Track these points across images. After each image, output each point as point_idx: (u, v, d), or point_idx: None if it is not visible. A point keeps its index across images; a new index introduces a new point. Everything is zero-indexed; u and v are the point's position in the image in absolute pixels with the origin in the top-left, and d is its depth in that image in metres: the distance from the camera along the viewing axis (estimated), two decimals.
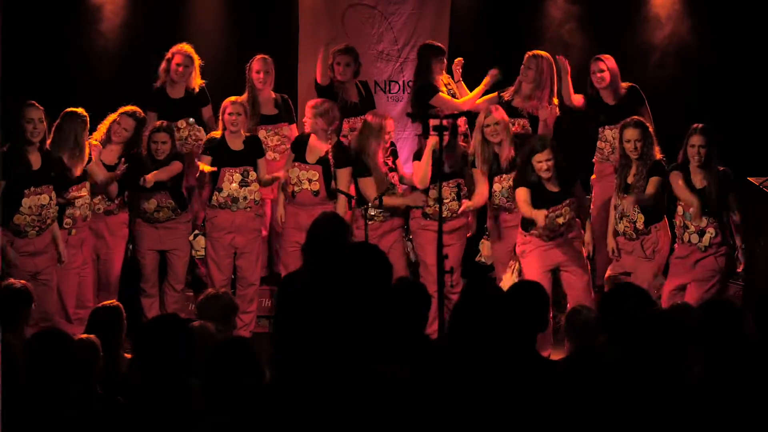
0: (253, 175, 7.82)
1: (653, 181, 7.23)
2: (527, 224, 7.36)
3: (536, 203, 7.21)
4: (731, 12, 8.84)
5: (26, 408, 4.18)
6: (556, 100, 8.10)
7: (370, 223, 7.45)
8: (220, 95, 8.08)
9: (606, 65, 8.06)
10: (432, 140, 7.43)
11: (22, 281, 5.82)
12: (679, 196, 7.23)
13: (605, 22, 8.97)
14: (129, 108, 7.70)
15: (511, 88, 8.14)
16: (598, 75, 8.08)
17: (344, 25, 9.16)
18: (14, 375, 4.35)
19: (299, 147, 7.89)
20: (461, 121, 7.97)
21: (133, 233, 7.89)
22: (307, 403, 3.89)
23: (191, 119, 8.27)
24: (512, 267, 7.56)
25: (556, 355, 6.82)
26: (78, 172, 7.27)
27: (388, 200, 7.68)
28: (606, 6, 9.01)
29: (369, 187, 7.65)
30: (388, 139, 7.72)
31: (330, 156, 7.78)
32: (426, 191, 7.74)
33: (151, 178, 7.52)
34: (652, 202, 7.25)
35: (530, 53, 8.09)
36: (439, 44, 8.36)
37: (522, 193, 7.27)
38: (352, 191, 7.72)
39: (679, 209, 7.24)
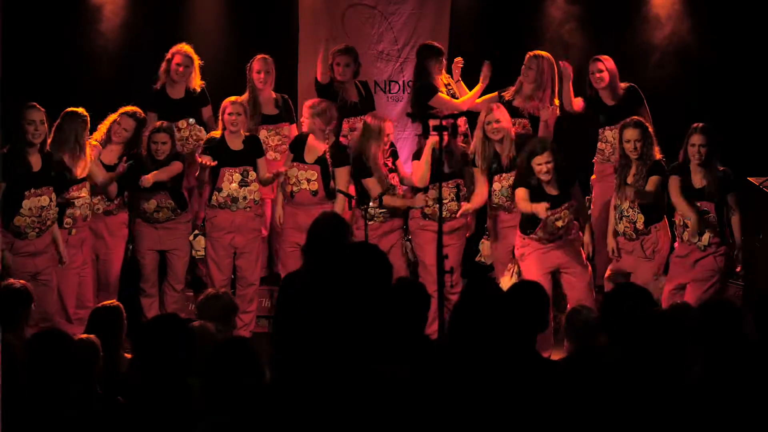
0: (252, 175, 7.82)
1: (653, 180, 7.24)
2: (526, 227, 7.36)
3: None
4: (731, 12, 8.84)
5: (26, 408, 4.18)
6: (557, 101, 8.09)
7: (370, 223, 7.45)
8: (220, 95, 8.08)
9: (605, 65, 8.06)
10: (432, 140, 7.43)
11: (21, 281, 5.82)
12: (676, 205, 7.24)
13: (605, 22, 8.97)
14: (129, 108, 7.71)
15: (512, 88, 8.14)
16: (597, 75, 8.08)
17: (344, 25, 9.16)
18: (14, 375, 4.35)
19: (297, 147, 7.90)
20: (461, 121, 7.96)
21: (132, 233, 7.90)
22: (307, 403, 3.89)
23: (191, 119, 8.27)
24: (511, 270, 7.55)
25: (556, 355, 6.82)
26: (79, 171, 7.27)
27: (388, 200, 7.68)
28: (606, 6, 9.01)
29: (372, 185, 7.66)
30: (387, 141, 7.73)
31: (327, 156, 7.79)
32: (425, 191, 7.74)
33: (150, 178, 7.52)
34: (652, 199, 7.25)
35: (531, 53, 8.09)
36: (438, 44, 8.35)
37: (521, 192, 7.27)
38: (352, 191, 7.73)
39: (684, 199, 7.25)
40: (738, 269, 7.32)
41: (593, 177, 8.34)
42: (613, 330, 4.53)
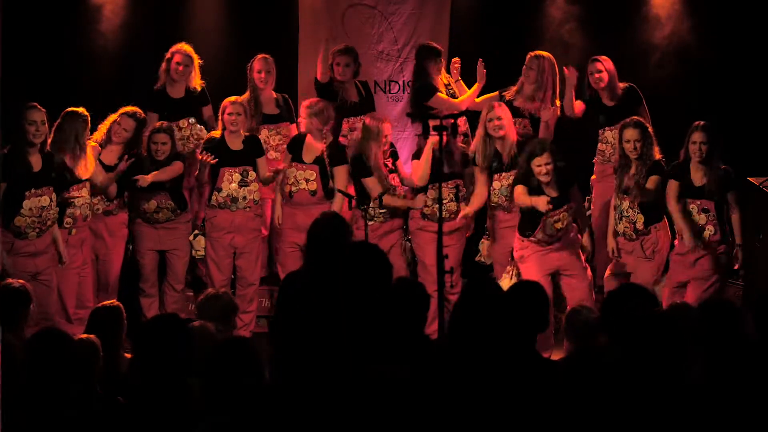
0: (252, 174, 7.82)
1: (653, 179, 7.24)
2: (525, 229, 7.36)
3: (536, 211, 7.20)
4: (731, 12, 8.84)
5: (26, 408, 4.18)
6: (558, 102, 8.09)
7: (370, 223, 7.45)
8: (220, 95, 8.08)
9: (603, 66, 8.06)
10: (432, 139, 7.42)
11: (20, 281, 5.82)
12: (671, 212, 7.25)
13: (605, 22, 8.96)
14: (129, 108, 7.70)
15: (514, 88, 8.13)
16: (596, 76, 8.08)
17: (344, 25, 9.16)
18: (14, 375, 4.35)
19: (295, 147, 7.90)
20: (461, 121, 7.96)
21: (132, 233, 7.89)
22: (307, 403, 3.89)
23: (192, 119, 8.27)
24: (510, 272, 7.55)
25: (556, 355, 6.82)
26: (79, 171, 7.27)
27: (388, 200, 7.68)
28: (606, 6, 9.01)
29: (372, 185, 7.66)
30: (385, 141, 7.73)
31: (325, 155, 7.79)
32: (424, 190, 7.74)
33: (149, 178, 7.52)
34: (652, 198, 7.25)
35: (532, 54, 8.08)
36: (436, 45, 8.34)
37: (520, 187, 7.26)
38: (352, 191, 7.73)
39: (680, 205, 7.24)
40: (736, 266, 7.32)
41: (593, 177, 8.34)
42: (613, 330, 4.53)
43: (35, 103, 6.96)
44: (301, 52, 9.15)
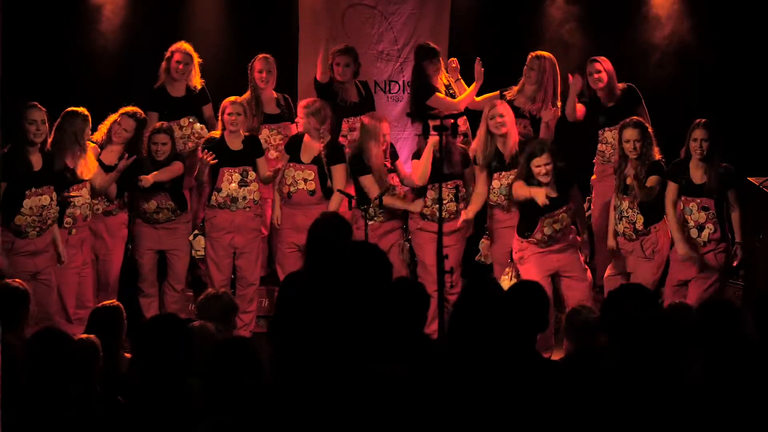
0: (252, 175, 7.82)
1: (652, 179, 7.24)
2: (524, 229, 7.36)
3: (534, 209, 7.20)
4: (731, 12, 8.84)
5: (26, 408, 4.18)
6: (559, 103, 8.08)
7: (370, 223, 7.45)
8: (220, 95, 8.08)
9: (602, 66, 8.06)
10: (433, 139, 7.42)
11: (18, 281, 5.81)
12: (667, 215, 7.25)
13: (605, 22, 8.96)
14: (130, 108, 7.70)
15: (515, 88, 8.13)
16: (595, 76, 8.07)
17: (344, 25, 9.16)
18: (14, 375, 4.35)
19: (293, 147, 7.90)
20: (461, 121, 7.96)
21: (132, 233, 7.89)
22: (307, 403, 3.89)
23: (192, 118, 8.27)
24: (509, 273, 7.55)
25: (556, 355, 6.82)
26: (80, 171, 7.27)
27: (388, 201, 7.68)
28: (606, 6, 9.00)
29: (370, 184, 7.66)
30: (383, 141, 7.73)
31: (322, 155, 7.79)
32: (424, 189, 7.75)
33: (150, 178, 7.52)
34: (652, 198, 7.25)
35: (533, 54, 8.08)
36: (433, 45, 8.32)
37: (519, 182, 7.25)
38: (352, 191, 7.73)
39: (679, 203, 7.24)
40: (735, 264, 7.32)
41: (593, 177, 8.34)
42: (613, 330, 4.53)
43: (35, 103, 6.96)
44: (301, 52, 9.15)
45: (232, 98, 7.86)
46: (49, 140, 7.11)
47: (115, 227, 7.78)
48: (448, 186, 7.67)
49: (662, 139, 7.46)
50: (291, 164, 7.85)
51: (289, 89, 8.63)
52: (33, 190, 6.96)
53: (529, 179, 7.24)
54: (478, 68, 8.10)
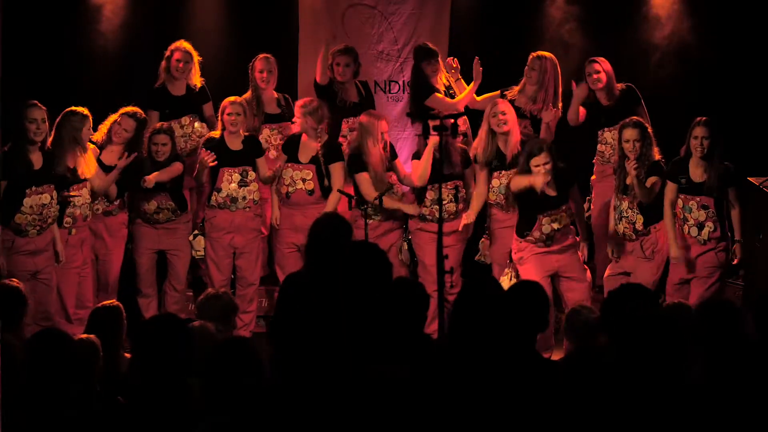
0: (252, 175, 7.82)
1: (652, 180, 7.24)
2: (523, 229, 7.35)
3: (534, 208, 7.20)
4: (731, 12, 8.84)
5: (26, 408, 4.18)
6: (560, 104, 8.07)
7: (369, 222, 7.45)
8: (220, 95, 8.08)
9: (601, 67, 8.06)
10: (434, 140, 7.41)
11: (14, 280, 5.82)
12: (665, 214, 7.25)
13: (605, 22, 8.96)
14: (130, 108, 7.70)
15: (516, 88, 8.12)
16: (594, 77, 8.07)
17: (344, 25, 9.15)
18: (14, 375, 4.35)
19: (291, 147, 7.90)
20: (461, 121, 7.95)
21: (132, 233, 7.89)
22: (307, 403, 3.89)
23: (193, 116, 8.27)
24: (508, 273, 7.55)
25: (556, 355, 6.82)
26: (81, 170, 7.27)
27: (387, 201, 7.67)
28: (606, 6, 9.00)
29: (364, 182, 7.65)
30: (381, 138, 7.72)
31: (320, 154, 7.79)
32: (423, 190, 7.74)
33: (151, 179, 7.52)
34: (652, 198, 7.25)
35: (534, 54, 8.07)
36: (432, 45, 8.31)
37: (516, 176, 7.25)
38: (351, 191, 7.73)
39: (679, 201, 7.24)
40: (735, 262, 7.31)
41: (593, 177, 8.34)
42: (613, 330, 4.53)
43: (35, 101, 6.96)
44: (301, 52, 9.14)
45: (232, 98, 7.86)
46: (50, 140, 7.11)
47: (115, 227, 7.79)
48: (448, 186, 7.67)
49: (662, 139, 7.46)
50: (289, 164, 7.85)
51: (289, 89, 8.63)
52: (33, 188, 6.97)
53: None
54: (477, 68, 8.09)
